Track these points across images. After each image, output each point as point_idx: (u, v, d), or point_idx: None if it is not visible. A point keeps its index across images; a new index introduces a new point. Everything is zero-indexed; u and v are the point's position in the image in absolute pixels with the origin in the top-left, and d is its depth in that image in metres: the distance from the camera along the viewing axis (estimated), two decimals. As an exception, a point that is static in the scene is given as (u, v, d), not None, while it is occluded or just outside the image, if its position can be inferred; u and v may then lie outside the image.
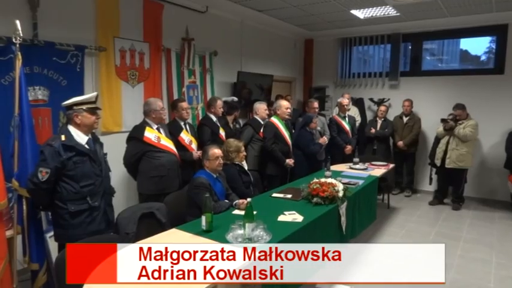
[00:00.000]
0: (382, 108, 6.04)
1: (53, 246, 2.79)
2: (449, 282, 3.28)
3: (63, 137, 2.43)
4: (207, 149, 3.07)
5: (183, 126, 3.83)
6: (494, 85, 5.67)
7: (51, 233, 2.69)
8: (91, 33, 3.58)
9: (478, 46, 6.26)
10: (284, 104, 4.51)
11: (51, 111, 3.23)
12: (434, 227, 4.69)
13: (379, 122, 6.00)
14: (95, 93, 2.62)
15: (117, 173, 3.63)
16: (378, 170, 4.67)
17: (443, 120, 5.26)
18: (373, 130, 5.90)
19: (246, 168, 3.71)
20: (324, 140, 4.70)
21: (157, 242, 2.29)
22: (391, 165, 5.10)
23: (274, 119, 4.43)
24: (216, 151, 3.04)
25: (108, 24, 3.69)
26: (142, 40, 4.06)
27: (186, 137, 3.79)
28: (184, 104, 3.85)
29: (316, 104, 5.15)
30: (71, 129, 2.51)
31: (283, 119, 4.49)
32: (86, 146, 2.53)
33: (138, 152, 3.31)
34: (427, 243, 4.16)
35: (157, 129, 3.42)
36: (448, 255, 3.82)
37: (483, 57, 6.24)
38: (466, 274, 3.43)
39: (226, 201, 3.01)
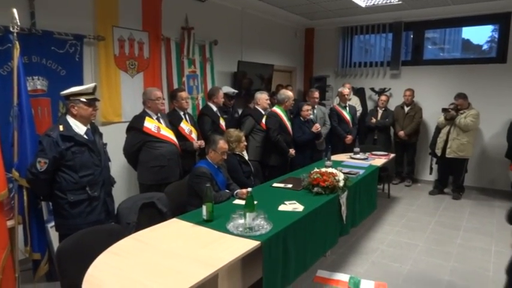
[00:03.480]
0: (383, 98, 6.02)
1: (54, 236, 2.81)
2: (449, 270, 3.30)
3: (61, 127, 2.42)
4: (217, 139, 3.03)
5: (183, 116, 3.82)
6: (496, 74, 5.63)
7: (53, 223, 2.70)
8: (89, 22, 3.55)
9: (480, 35, 6.19)
10: (292, 95, 4.51)
11: (50, 102, 3.21)
12: (434, 217, 4.71)
13: (380, 111, 5.98)
14: (92, 84, 2.59)
15: (117, 163, 3.64)
16: (379, 160, 4.67)
17: (444, 110, 5.24)
18: (373, 120, 5.89)
19: (246, 158, 3.70)
20: (316, 127, 4.64)
21: (158, 231, 2.30)
22: (392, 155, 5.10)
23: (277, 110, 4.41)
24: (225, 146, 3.03)
25: (106, 13, 3.65)
26: (141, 29, 4.02)
27: (186, 126, 3.77)
28: (184, 94, 3.82)
29: (316, 94, 5.13)
30: (70, 119, 2.50)
31: (286, 110, 4.48)
32: (85, 136, 2.52)
33: (138, 142, 3.30)
34: (427, 232, 4.18)
35: (157, 119, 3.41)
36: (447, 244, 3.86)
37: (485, 46, 6.18)
38: (466, 263, 3.45)
39: (227, 191, 3.01)
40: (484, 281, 3.12)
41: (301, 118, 4.64)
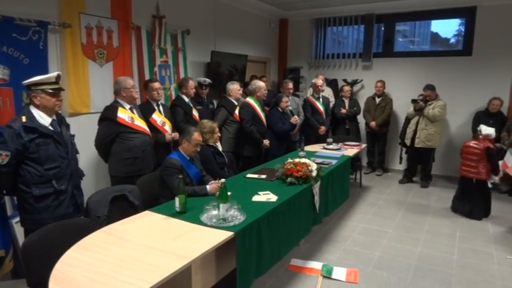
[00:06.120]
0: (346, 88, 6.11)
1: (19, 231, 2.71)
2: (417, 255, 3.43)
3: (23, 118, 2.31)
4: (191, 130, 2.98)
5: (156, 108, 3.73)
6: (462, 66, 5.84)
7: (18, 218, 2.59)
8: (54, 9, 3.38)
9: (448, 29, 6.41)
10: (263, 85, 4.50)
11: (12, 91, 3.05)
12: (403, 204, 4.87)
13: (346, 101, 6.07)
14: (55, 73, 2.46)
15: (86, 156, 3.53)
16: (351, 150, 4.76)
17: (413, 101, 5.40)
18: (343, 110, 5.96)
19: (220, 149, 3.68)
20: (296, 119, 4.69)
21: (130, 224, 2.26)
22: (364, 145, 5.22)
23: (250, 100, 4.40)
24: (199, 138, 2.99)
25: (72, -2, 3.49)
26: (110, 17, 3.87)
27: (158, 118, 3.70)
28: (156, 84, 3.74)
29: (290, 85, 5.14)
30: (33, 110, 2.38)
31: (259, 100, 4.46)
32: (50, 127, 2.41)
33: (112, 133, 3.20)
34: (396, 219, 4.32)
35: (130, 109, 3.31)
36: (416, 230, 4.00)
37: (452, 40, 6.40)
38: (432, 248, 3.59)
39: (204, 186, 2.91)
40: (449, 264, 3.26)
41: (280, 109, 4.66)
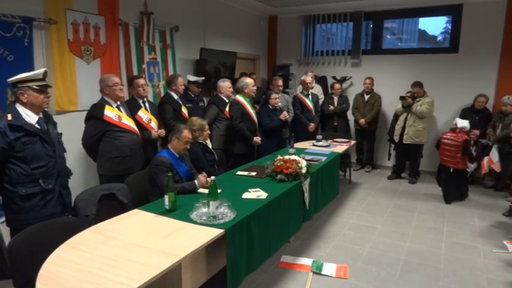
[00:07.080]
0: (336, 86, 6.13)
1: (5, 231, 2.65)
2: (405, 250, 3.47)
3: (9, 117, 2.26)
4: (181, 128, 2.97)
5: (142, 105, 3.70)
6: (449, 63, 5.91)
7: (4, 218, 2.54)
8: (39, 4, 3.31)
9: (435, 26, 6.48)
10: (251, 82, 4.48)
11: (-3, 89, 2.99)
12: (392, 200, 4.92)
13: (336, 98, 6.10)
14: (42, 70, 2.42)
15: (74, 154, 3.49)
16: (340, 147, 4.79)
17: (401, 98, 5.45)
18: (331, 107, 5.98)
19: (210, 146, 3.67)
20: (285, 115, 4.69)
21: (119, 223, 2.24)
22: (353, 142, 5.26)
23: (240, 98, 4.39)
24: (189, 136, 2.97)
25: (57, -6, 3.43)
26: (97, 13, 3.82)
27: (144, 115, 3.66)
28: (141, 81, 3.69)
29: (280, 82, 5.14)
30: (19, 108, 2.34)
31: (248, 97, 4.46)
32: (37, 125, 2.37)
33: (99, 131, 3.15)
34: (385, 215, 4.36)
35: (117, 107, 3.27)
36: (404, 225, 4.05)
37: (440, 37, 6.48)
38: (420, 242, 3.64)
39: (192, 181, 2.92)
40: (437, 259, 3.31)
41: (270, 106, 4.66)
